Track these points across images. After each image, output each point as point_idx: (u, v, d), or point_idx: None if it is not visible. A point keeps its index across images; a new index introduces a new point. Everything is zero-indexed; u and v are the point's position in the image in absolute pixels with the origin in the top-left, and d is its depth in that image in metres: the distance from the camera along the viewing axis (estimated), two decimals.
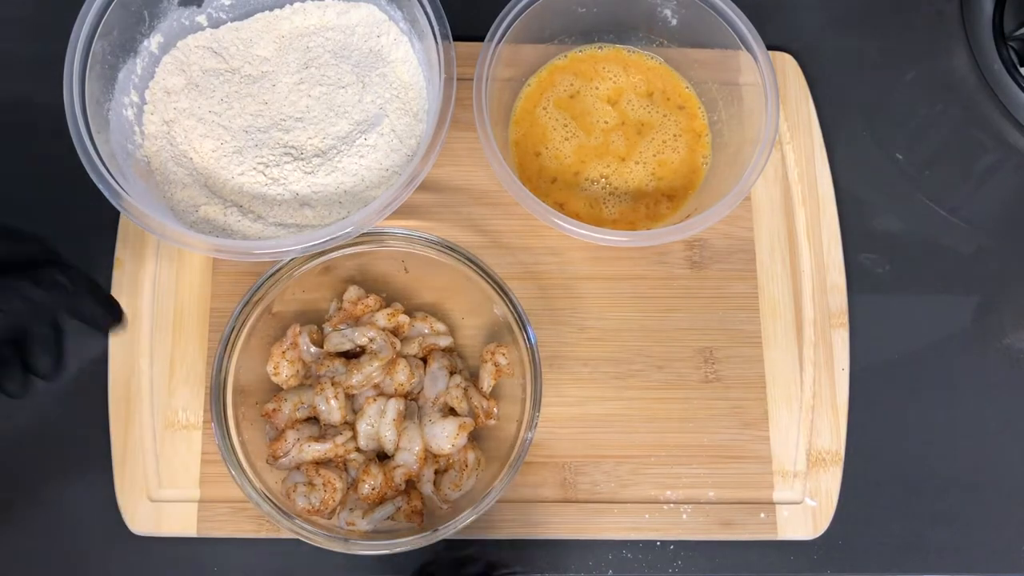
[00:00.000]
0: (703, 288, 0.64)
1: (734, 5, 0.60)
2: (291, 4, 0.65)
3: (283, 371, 0.57)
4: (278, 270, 0.56)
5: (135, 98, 0.61)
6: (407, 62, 0.63)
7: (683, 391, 0.62)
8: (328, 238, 0.54)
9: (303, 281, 0.58)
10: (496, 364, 0.58)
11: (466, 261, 0.57)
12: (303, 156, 0.61)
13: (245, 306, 0.55)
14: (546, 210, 0.56)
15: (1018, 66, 0.70)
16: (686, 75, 0.66)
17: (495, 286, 0.56)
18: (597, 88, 0.65)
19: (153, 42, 0.62)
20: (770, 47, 0.62)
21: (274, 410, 0.56)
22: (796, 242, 0.65)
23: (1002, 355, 0.65)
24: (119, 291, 0.62)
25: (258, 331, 0.57)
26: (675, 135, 0.65)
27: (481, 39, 0.59)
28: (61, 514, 0.59)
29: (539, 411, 0.54)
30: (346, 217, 0.58)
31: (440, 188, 0.65)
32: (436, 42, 0.58)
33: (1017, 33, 0.70)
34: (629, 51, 0.66)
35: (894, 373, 0.64)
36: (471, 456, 0.56)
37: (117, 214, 0.62)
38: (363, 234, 0.56)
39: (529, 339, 0.55)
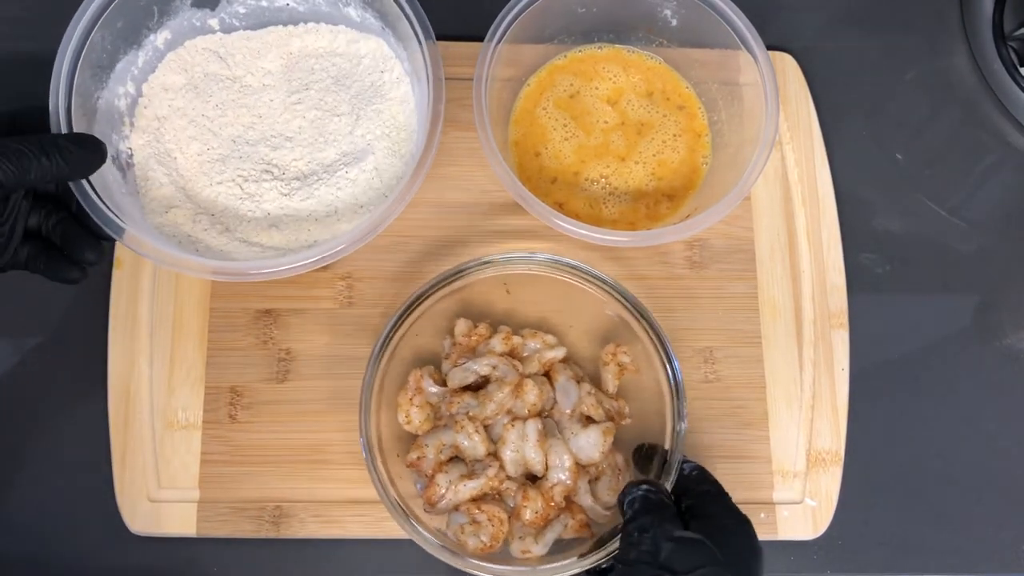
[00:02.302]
0: (703, 288, 0.63)
1: (734, 5, 0.60)
2: (304, 23, 0.64)
3: (415, 418, 0.56)
4: (396, 321, 0.56)
5: (131, 89, 0.61)
6: (405, 103, 0.63)
7: None
8: (326, 253, 0.54)
9: (411, 330, 0.58)
10: (619, 364, 0.58)
11: (572, 270, 0.57)
12: (283, 177, 0.61)
13: (377, 361, 0.55)
14: (546, 210, 0.56)
15: (1018, 66, 0.70)
16: (686, 75, 0.66)
17: (607, 287, 0.56)
18: (597, 88, 0.65)
19: (160, 37, 0.62)
20: (770, 47, 0.62)
21: (419, 458, 0.55)
22: (796, 242, 0.65)
23: (1002, 355, 0.65)
24: (119, 291, 0.62)
25: (384, 386, 0.57)
26: (675, 135, 0.65)
27: (481, 39, 0.59)
28: (61, 514, 0.59)
29: (685, 400, 0.54)
30: (313, 245, 0.58)
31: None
32: (428, 84, 0.57)
33: (1017, 33, 0.70)
34: (629, 51, 0.66)
35: (894, 373, 0.64)
36: (619, 458, 0.56)
37: None
38: (462, 267, 0.56)
39: (656, 332, 0.55)
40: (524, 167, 0.64)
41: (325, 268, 0.63)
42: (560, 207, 0.62)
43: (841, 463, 0.61)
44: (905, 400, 0.64)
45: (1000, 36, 0.71)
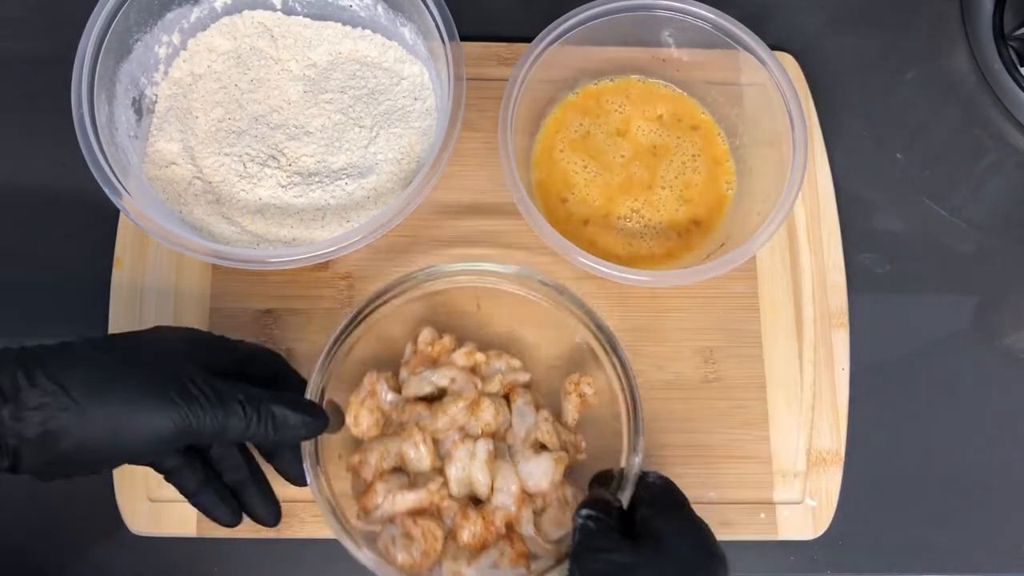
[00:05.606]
0: (703, 288, 0.63)
1: (756, 37, 0.60)
2: (363, 28, 0.65)
3: (363, 421, 0.53)
4: (354, 318, 0.53)
5: (176, 40, 0.62)
6: (425, 135, 0.63)
7: (683, 391, 0.62)
8: (341, 245, 0.54)
9: (375, 328, 0.55)
10: (581, 395, 0.55)
11: (544, 288, 0.55)
12: (287, 168, 0.61)
13: (329, 356, 0.53)
14: (575, 251, 0.56)
15: (1018, 66, 0.70)
16: (701, 100, 0.66)
17: (581, 312, 0.54)
18: (606, 123, 0.65)
19: (220, 0, 0.63)
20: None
21: (360, 462, 0.53)
22: (796, 242, 0.65)
23: (1002, 355, 0.65)
24: (119, 291, 0.61)
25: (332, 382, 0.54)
26: (693, 155, 0.64)
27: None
28: (60, 514, 0.59)
29: (642, 436, 0.51)
30: (291, 243, 0.59)
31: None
32: (448, 82, 0.57)
33: (1017, 33, 0.70)
34: (639, 80, 0.66)
35: (894, 373, 0.64)
36: (568, 492, 0.53)
37: (117, 212, 0.62)
38: (434, 274, 0.54)
39: (623, 364, 0.53)
40: (552, 213, 0.63)
41: (325, 268, 0.63)
42: (593, 246, 0.62)
43: (841, 463, 0.61)
44: (905, 400, 0.64)
45: (1000, 36, 0.71)
